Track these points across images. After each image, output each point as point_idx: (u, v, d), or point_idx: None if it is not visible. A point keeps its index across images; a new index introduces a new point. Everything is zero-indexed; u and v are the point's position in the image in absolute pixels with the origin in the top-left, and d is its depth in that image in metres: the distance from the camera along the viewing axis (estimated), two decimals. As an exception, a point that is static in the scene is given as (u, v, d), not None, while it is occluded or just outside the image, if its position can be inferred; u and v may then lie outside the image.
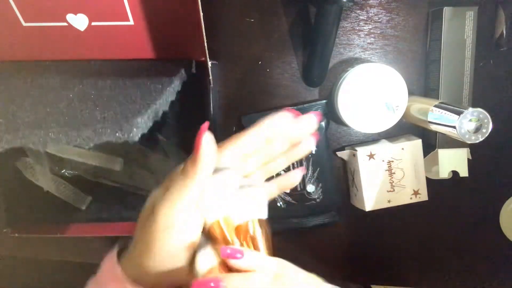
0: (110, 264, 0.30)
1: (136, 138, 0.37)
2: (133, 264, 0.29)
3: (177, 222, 0.27)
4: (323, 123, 0.56)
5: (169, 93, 0.43)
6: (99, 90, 0.43)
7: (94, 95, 0.42)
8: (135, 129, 0.36)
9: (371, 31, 0.55)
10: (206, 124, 0.27)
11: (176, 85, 0.44)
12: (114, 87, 0.43)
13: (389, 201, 0.55)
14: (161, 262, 0.28)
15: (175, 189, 0.27)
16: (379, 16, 0.54)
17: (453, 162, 0.56)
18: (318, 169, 0.55)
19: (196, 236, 0.28)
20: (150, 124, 0.39)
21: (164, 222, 0.27)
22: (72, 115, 0.39)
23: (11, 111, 0.40)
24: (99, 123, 0.37)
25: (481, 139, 0.45)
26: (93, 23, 0.42)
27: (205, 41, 0.43)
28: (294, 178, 0.34)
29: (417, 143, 0.55)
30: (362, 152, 0.54)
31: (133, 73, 0.45)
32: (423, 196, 0.56)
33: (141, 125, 0.37)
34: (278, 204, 0.57)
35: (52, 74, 0.46)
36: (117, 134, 0.36)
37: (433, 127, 0.49)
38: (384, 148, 0.54)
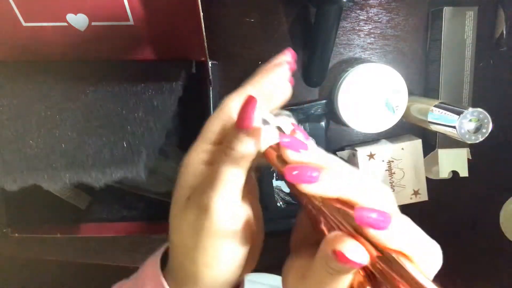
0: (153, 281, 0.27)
1: (143, 175, 0.39)
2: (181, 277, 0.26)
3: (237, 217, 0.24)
4: (323, 123, 0.56)
5: (171, 112, 0.44)
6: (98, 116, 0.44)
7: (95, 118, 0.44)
8: (142, 166, 0.39)
9: (371, 31, 0.55)
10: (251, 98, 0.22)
11: (176, 96, 0.45)
12: (116, 103, 0.44)
13: (389, 201, 0.55)
14: (220, 272, 0.25)
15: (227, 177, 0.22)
16: (379, 16, 0.54)
17: (453, 162, 0.56)
18: (318, 169, 0.55)
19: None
20: (156, 156, 0.41)
21: (224, 221, 0.23)
22: (78, 153, 0.41)
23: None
24: (107, 164, 0.39)
25: (481, 139, 0.45)
26: (93, 23, 0.42)
27: (205, 41, 0.43)
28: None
29: (417, 143, 0.55)
30: (362, 152, 0.54)
31: (133, 78, 0.45)
32: (423, 196, 0.56)
33: (148, 160, 0.40)
34: (278, 204, 0.57)
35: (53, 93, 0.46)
36: (124, 174, 0.39)
37: (433, 127, 0.49)
38: (384, 148, 0.54)
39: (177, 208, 0.24)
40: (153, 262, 0.28)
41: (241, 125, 0.22)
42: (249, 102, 0.22)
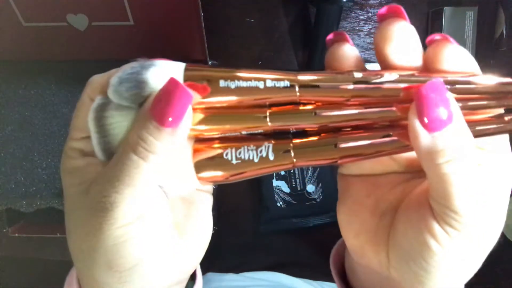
0: None
1: None
2: None
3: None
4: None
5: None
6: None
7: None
8: None
9: (371, 31, 0.55)
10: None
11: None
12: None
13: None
14: None
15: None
16: (379, 16, 0.54)
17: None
18: (318, 169, 0.55)
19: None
20: None
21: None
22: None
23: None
24: None
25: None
26: (93, 23, 0.42)
27: (205, 41, 0.43)
28: None
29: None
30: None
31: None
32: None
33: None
34: (278, 204, 0.57)
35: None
36: None
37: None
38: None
39: (68, 207, 0.20)
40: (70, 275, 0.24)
41: (162, 123, 0.17)
42: (180, 90, 0.17)
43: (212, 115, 0.19)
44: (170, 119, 0.17)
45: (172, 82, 0.17)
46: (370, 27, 0.54)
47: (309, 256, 0.59)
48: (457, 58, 0.18)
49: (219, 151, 0.20)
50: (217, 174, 0.20)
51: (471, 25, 0.52)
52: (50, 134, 0.46)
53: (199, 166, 0.20)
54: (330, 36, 0.20)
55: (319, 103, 0.19)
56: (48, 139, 0.46)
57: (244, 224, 0.58)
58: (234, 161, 0.19)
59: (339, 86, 0.18)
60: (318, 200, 0.56)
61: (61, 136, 0.46)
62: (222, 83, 0.18)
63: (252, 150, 0.19)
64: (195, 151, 0.20)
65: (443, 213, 0.16)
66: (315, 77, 0.18)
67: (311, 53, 0.52)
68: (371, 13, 0.54)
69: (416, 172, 0.21)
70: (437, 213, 0.17)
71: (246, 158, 0.19)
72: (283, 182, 0.56)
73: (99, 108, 0.19)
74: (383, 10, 0.19)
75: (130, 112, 0.19)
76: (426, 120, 0.16)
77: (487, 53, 0.55)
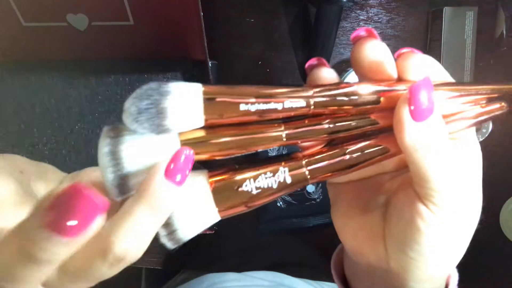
0: None
1: None
2: None
3: None
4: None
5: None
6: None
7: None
8: None
9: (371, 31, 0.55)
10: None
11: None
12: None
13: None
14: None
15: None
16: (379, 16, 0.54)
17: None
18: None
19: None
20: None
21: None
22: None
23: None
24: None
25: (481, 139, 0.45)
26: (93, 23, 0.42)
27: (205, 41, 0.43)
28: None
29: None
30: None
31: (133, 78, 0.45)
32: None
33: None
34: (278, 204, 0.57)
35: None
36: None
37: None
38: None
39: None
40: None
41: (59, 231, 0.15)
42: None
43: (226, 136, 0.19)
44: (69, 231, 0.15)
45: (74, 189, 0.15)
46: (370, 27, 0.54)
47: (309, 256, 0.59)
48: (423, 66, 0.20)
49: (237, 179, 0.20)
50: (239, 207, 0.20)
51: (471, 25, 0.52)
52: (52, 133, 0.46)
53: (219, 201, 0.20)
54: (310, 62, 0.22)
55: (329, 115, 0.20)
56: (50, 138, 0.46)
57: (244, 224, 0.58)
58: (254, 192, 0.20)
59: (344, 99, 0.20)
60: (318, 200, 0.56)
61: (63, 135, 0.46)
62: (242, 106, 0.19)
63: (269, 177, 0.20)
64: (211, 184, 0.20)
65: (425, 193, 0.19)
66: (328, 98, 0.20)
67: (311, 53, 0.52)
68: (371, 13, 0.54)
69: (399, 169, 0.24)
70: (421, 195, 0.20)
71: (265, 186, 0.20)
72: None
73: (112, 142, 0.18)
74: (354, 34, 0.21)
75: (142, 141, 0.18)
76: (412, 107, 0.18)
77: (487, 53, 0.55)
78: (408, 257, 0.21)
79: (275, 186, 0.20)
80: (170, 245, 0.19)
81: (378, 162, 0.21)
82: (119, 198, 0.18)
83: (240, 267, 0.55)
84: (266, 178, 0.20)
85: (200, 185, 0.20)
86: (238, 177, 0.20)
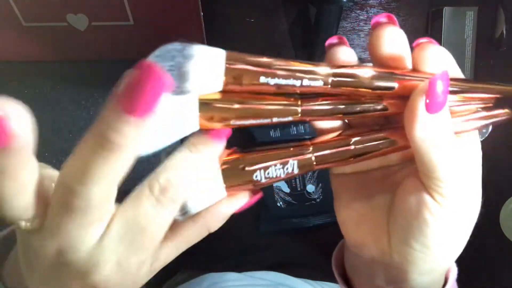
0: None
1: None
2: None
3: None
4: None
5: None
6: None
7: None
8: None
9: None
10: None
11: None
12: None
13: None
14: None
15: None
16: (379, 16, 0.54)
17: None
18: (318, 169, 0.56)
19: None
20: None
21: None
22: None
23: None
24: None
25: (481, 139, 0.45)
26: (93, 23, 0.42)
27: (205, 41, 0.43)
28: None
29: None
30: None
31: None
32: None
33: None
34: (278, 204, 0.57)
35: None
36: None
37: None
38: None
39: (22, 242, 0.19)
40: None
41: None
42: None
43: (243, 102, 0.20)
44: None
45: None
46: (370, 27, 0.55)
47: (309, 256, 0.59)
48: (439, 59, 0.21)
49: (247, 162, 0.21)
50: (246, 186, 0.21)
51: (471, 25, 0.52)
52: (52, 133, 0.46)
53: (227, 178, 0.21)
54: (330, 40, 0.23)
55: (345, 95, 0.21)
56: (52, 137, 0.46)
57: (244, 224, 0.58)
58: (263, 181, 0.21)
59: (363, 82, 0.20)
60: (318, 200, 0.56)
61: (66, 134, 0.46)
62: (262, 79, 0.19)
63: (279, 169, 0.21)
64: (221, 163, 0.21)
65: (432, 184, 0.20)
66: (346, 78, 0.20)
67: (311, 53, 0.52)
68: (371, 13, 0.54)
69: (404, 162, 0.24)
70: (427, 186, 0.20)
71: (274, 176, 0.21)
72: (283, 182, 0.56)
73: None
74: (374, 19, 0.21)
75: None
76: (428, 100, 0.18)
77: (487, 53, 0.55)
78: (413, 249, 0.21)
79: (283, 175, 0.21)
80: (177, 216, 0.20)
81: (383, 155, 0.21)
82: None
83: (240, 267, 0.55)
84: (276, 170, 0.21)
85: (210, 162, 0.20)
86: (248, 160, 0.21)
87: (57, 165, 0.19)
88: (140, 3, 0.41)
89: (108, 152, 0.15)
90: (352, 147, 0.21)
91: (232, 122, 0.20)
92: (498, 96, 0.22)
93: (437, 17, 0.52)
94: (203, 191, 0.20)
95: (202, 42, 0.43)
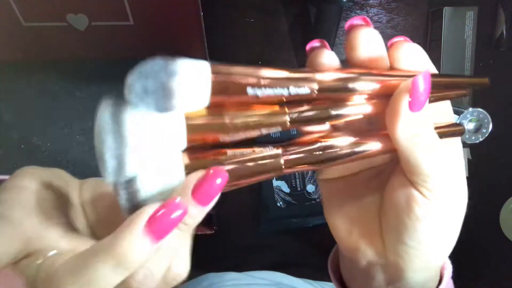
0: None
1: None
2: None
3: None
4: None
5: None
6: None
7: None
8: None
9: (371, 31, 0.55)
10: None
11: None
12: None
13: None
14: None
15: None
16: (379, 16, 0.54)
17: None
18: (318, 169, 0.56)
19: None
20: None
21: None
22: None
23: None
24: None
25: (481, 139, 0.45)
26: (93, 23, 0.42)
27: (205, 41, 0.43)
28: None
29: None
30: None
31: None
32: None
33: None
34: (278, 204, 0.57)
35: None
36: None
37: (433, 127, 0.49)
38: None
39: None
40: None
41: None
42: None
43: (231, 115, 0.19)
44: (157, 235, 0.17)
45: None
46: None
47: (309, 256, 0.59)
48: (413, 56, 0.21)
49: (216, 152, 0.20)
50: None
51: (471, 25, 0.52)
52: (53, 132, 0.46)
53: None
54: (311, 44, 0.24)
55: (332, 100, 0.21)
56: (51, 137, 0.46)
57: (244, 224, 0.58)
58: (229, 153, 0.20)
59: (347, 85, 0.21)
60: (318, 200, 0.56)
61: (65, 133, 0.46)
62: (249, 90, 0.19)
63: (248, 154, 0.20)
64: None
65: (418, 179, 0.20)
66: (332, 82, 0.21)
67: (311, 53, 0.52)
68: (371, 13, 0.54)
69: (387, 163, 0.24)
70: (414, 182, 0.20)
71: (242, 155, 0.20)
72: (283, 182, 0.56)
73: (114, 110, 0.17)
74: (349, 22, 0.22)
75: (147, 116, 0.17)
76: (410, 99, 0.19)
77: (487, 53, 0.55)
78: (407, 246, 0.21)
79: (251, 164, 0.20)
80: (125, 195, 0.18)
81: (360, 160, 0.21)
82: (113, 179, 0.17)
83: (240, 267, 0.55)
84: (245, 153, 0.20)
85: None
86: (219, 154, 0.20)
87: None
88: (140, 3, 0.41)
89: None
90: (320, 152, 0.21)
91: (222, 139, 0.19)
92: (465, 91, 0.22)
93: (437, 17, 0.52)
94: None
95: (202, 42, 0.43)
